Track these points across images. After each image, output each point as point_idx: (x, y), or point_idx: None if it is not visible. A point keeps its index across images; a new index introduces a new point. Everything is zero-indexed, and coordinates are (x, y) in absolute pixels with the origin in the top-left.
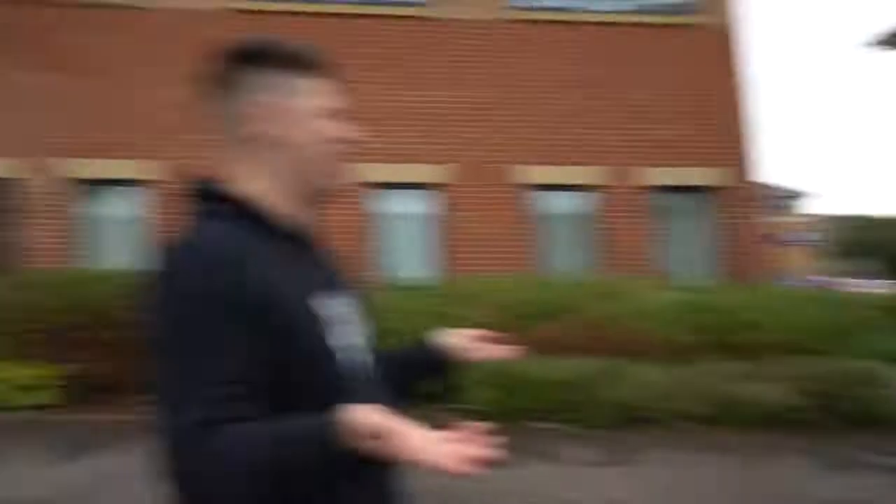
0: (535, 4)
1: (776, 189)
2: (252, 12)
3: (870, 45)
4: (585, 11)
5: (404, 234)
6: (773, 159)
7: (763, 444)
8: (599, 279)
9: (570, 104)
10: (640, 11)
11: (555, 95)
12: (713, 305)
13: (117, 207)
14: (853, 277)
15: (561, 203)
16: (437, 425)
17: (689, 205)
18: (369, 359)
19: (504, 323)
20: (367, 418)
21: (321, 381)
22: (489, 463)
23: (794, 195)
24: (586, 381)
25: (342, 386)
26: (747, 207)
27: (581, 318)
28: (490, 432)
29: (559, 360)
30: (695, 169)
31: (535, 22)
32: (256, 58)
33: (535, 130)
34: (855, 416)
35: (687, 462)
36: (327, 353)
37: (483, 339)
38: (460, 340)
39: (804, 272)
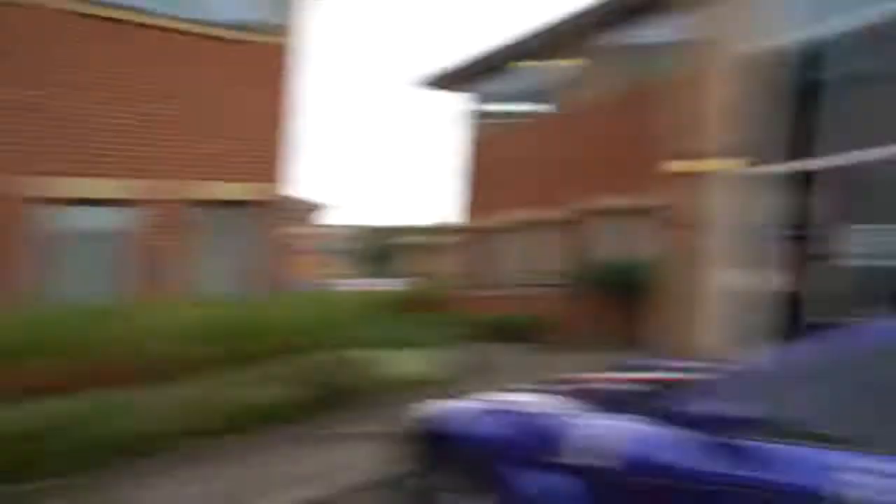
0: None
1: (306, 203)
2: None
3: (420, 83)
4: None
5: None
6: (313, 177)
7: (263, 441)
8: (110, 302)
9: (103, 111)
10: (198, 21)
11: (85, 99)
12: (229, 318)
13: None
14: (363, 279)
15: (89, 218)
16: None
17: (228, 219)
18: None
19: None
20: None
21: None
22: None
23: (324, 208)
24: (71, 422)
25: None
26: (281, 221)
27: (82, 348)
28: None
29: (38, 404)
30: (235, 184)
31: (83, 15)
32: None
33: (57, 138)
34: (346, 398)
35: (192, 478)
36: None
37: None
38: None
39: (325, 278)
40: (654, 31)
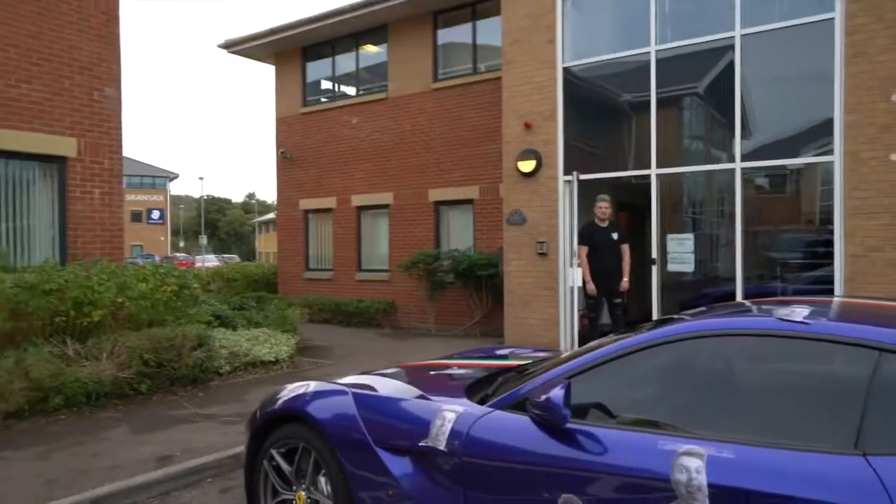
0: None
1: (137, 166)
2: None
3: (224, 47)
4: None
5: None
6: (138, 138)
7: (92, 422)
8: None
9: None
10: None
11: None
12: (46, 287)
13: None
14: (197, 254)
15: None
16: None
17: (34, 176)
18: None
19: None
20: None
21: None
22: None
23: (155, 176)
24: None
25: None
26: (102, 182)
27: None
28: None
29: None
30: (44, 136)
31: None
32: None
33: None
34: (187, 377)
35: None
36: None
37: None
38: None
39: (155, 249)
40: (490, 30)
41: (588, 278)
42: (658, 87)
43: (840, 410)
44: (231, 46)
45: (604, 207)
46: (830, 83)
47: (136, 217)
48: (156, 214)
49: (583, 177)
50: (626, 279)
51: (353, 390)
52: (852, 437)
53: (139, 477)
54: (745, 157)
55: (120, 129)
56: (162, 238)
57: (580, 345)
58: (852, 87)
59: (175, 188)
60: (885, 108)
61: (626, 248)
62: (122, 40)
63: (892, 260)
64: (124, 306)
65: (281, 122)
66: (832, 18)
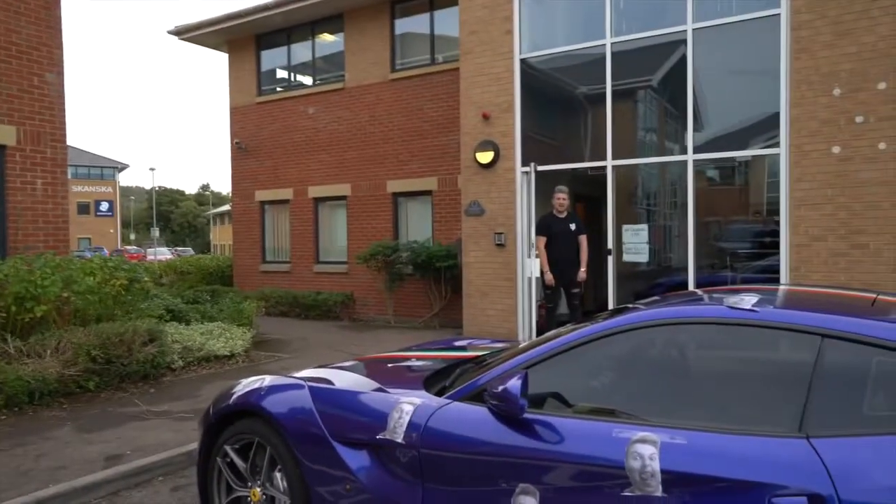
0: None
1: (84, 156)
2: None
3: (174, 33)
4: None
5: None
6: (85, 127)
7: (35, 422)
8: None
9: None
10: None
11: None
12: None
13: None
14: (149, 247)
15: None
16: None
17: None
18: None
19: None
20: None
21: None
22: None
23: (103, 166)
24: None
25: None
26: (45, 172)
27: None
28: None
29: None
30: None
31: None
32: None
33: None
34: (138, 373)
35: None
36: None
37: None
38: None
39: (104, 242)
40: (448, 20)
41: (546, 268)
42: (614, 79)
43: (786, 395)
44: (182, 33)
45: (562, 199)
46: (777, 78)
47: (84, 209)
48: (104, 206)
49: (540, 168)
50: (583, 269)
51: (310, 384)
52: (797, 420)
53: (86, 477)
54: (696, 150)
55: (63, 116)
56: (111, 230)
57: (538, 335)
58: (796, 82)
59: (125, 179)
60: (827, 102)
61: (583, 239)
62: (67, 25)
63: (834, 249)
64: (70, 301)
65: (235, 111)
66: (778, 14)
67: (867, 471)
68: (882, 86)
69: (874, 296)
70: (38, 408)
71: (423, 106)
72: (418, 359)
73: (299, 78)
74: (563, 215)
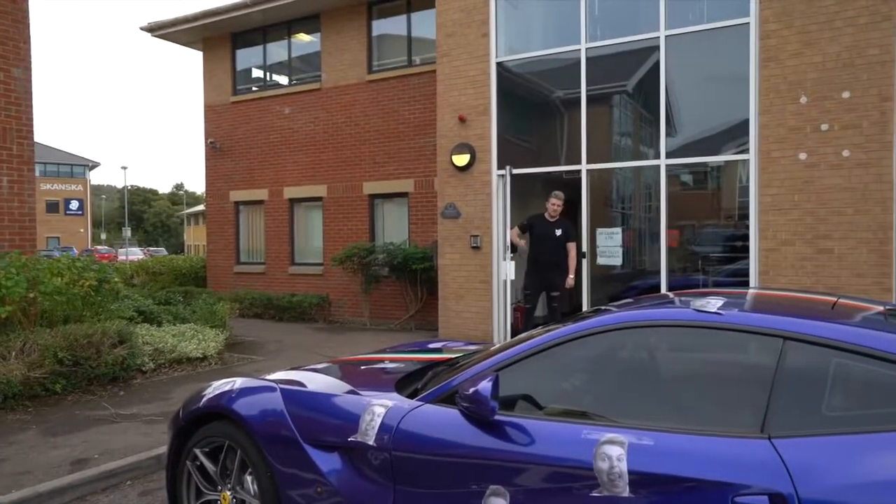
0: None
1: (53, 154)
2: None
3: (147, 30)
4: None
5: None
6: (55, 124)
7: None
8: None
9: None
10: None
11: None
12: None
13: None
14: (120, 246)
15: None
16: None
17: None
18: None
19: None
20: None
21: None
22: None
23: (73, 164)
24: None
25: None
26: (11, 170)
27: None
28: None
29: None
30: None
31: None
32: None
33: None
34: (106, 375)
35: None
36: None
37: None
38: None
39: (74, 241)
40: (426, 23)
41: (516, 239)
42: (588, 84)
43: (749, 396)
44: (155, 30)
45: (556, 205)
46: (746, 85)
47: (53, 207)
48: (74, 205)
49: (516, 171)
50: (570, 276)
51: (282, 386)
52: (759, 420)
53: (51, 482)
54: (669, 154)
55: (30, 112)
56: (81, 230)
57: (513, 337)
58: (765, 90)
59: (96, 177)
60: (794, 110)
61: (571, 246)
62: (35, 19)
63: (801, 253)
64: (36, 302)
65: (209, 110)
66: (748, 23)
67: (825, 470)
68: (846, 95)
69: (834, 299)
70: (1, 411)
71: (399, 108)
72: (392, 361)
73: (275, 78)
74: (553, 219)
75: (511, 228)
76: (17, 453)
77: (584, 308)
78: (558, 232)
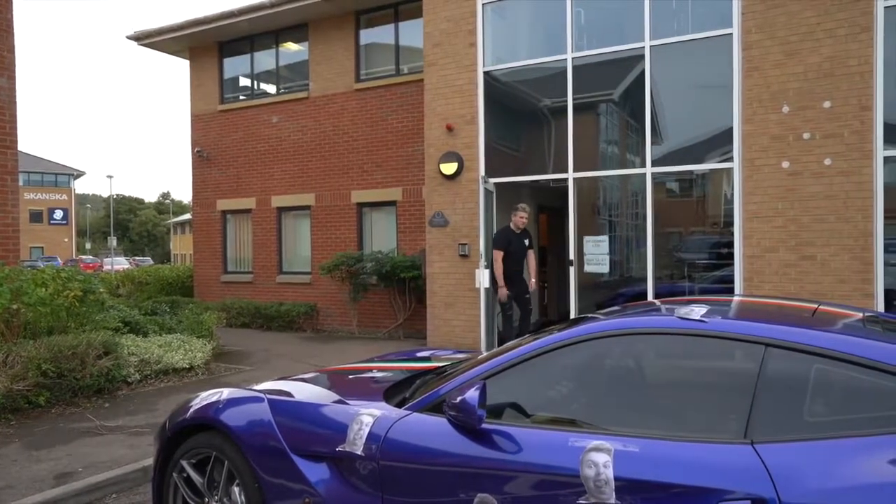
0: None
1: (37, 163)
2: None
3: (133, 38)
4: None
5: None
6: (39, 133)
7: None
8: None
9: None
10: None
11: None
12: None
13: None
14: (106, 256)
15: None
16: None
17: None
18: None
19: None
20: None
21: None
22: None
23: (58, 173)
24: None
25: None
26: None
27: None
28: None
29: None
30: None
31: None
32: None
33: None
34: (91, 387)
35: None
36: None
37: None
38: None
39: (58, 251)
40: (413, 32)
41: (502, 283)
42: (575, 93)
43: (732, 402)
44: (142, 39)
45: (524, 218)
46: (730, 95)
47: (37, 217)
48: (59, 214)
49: (503, 180)
50: (533, 280)
51: (269, 396)
52: (742, 426)
53: (34, 496)
54: (655, 163)
55: (14, 121)
56: (66, 240)
57: (501, 345)
58: (748, 99)
59: (81, 187)
60: (777, 119)
61: (531, 253)
62: (20, 28)
63: (785, 260)
64: (20, 313)
65: (196, 119)
66: (731, 34)
67: (806, 474)
68: (827, 104)
69: (815, 306)
70: None
71: (387, 116)
72: (380, 370)
73: (263, 86)
74: (520, 231)
75: (495, 250)
76: (0, 468)
77: (572, 316)
78: (526, 242)
